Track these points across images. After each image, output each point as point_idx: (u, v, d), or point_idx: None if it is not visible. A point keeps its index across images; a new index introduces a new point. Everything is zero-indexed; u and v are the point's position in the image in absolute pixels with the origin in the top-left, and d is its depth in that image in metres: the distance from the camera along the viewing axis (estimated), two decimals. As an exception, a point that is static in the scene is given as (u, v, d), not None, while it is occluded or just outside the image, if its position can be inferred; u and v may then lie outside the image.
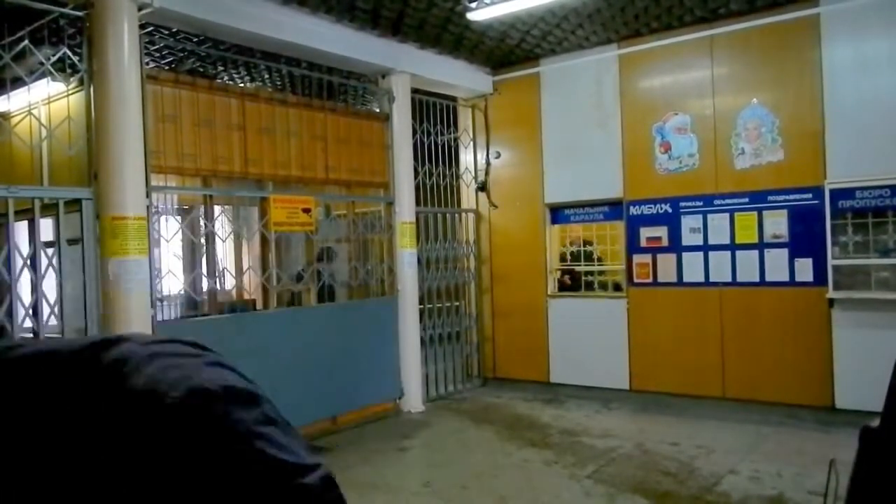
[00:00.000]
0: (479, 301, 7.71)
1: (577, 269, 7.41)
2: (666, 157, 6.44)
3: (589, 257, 7.40)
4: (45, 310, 4.30)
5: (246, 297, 6.66)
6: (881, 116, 5.40)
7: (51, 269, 4.36)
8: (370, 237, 6.75)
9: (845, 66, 5.57)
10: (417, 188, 6.92)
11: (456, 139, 7.70)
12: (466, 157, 7.80)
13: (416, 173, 6.92)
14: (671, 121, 6.40)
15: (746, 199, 6.03)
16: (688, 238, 6.33)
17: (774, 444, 5.22)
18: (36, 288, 4.29)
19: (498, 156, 7.63)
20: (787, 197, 5.84)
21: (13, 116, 5.30)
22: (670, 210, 6.40)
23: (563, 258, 7.45)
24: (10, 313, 4.11)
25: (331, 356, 5.87)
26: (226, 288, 6.57)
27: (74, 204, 4.46)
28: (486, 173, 7.67)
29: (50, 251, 4.39)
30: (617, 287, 7.06)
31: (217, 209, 5.78)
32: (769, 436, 5.43)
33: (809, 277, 5.72)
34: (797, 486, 4.24)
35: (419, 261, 6.84)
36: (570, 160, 7.02)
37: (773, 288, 5.90)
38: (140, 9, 4.50)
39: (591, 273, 7.41)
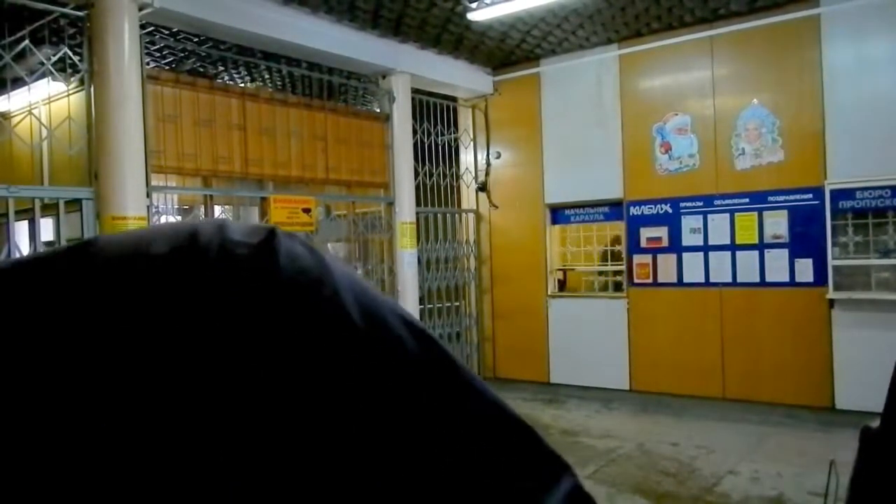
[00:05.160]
0: (479, 301, 7.71)
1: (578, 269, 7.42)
2: (666, 157, 6.44)
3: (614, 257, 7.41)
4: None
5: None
6: (881, 116, 5.40)
7: (51, 268, 4.35)
8: (370, 237, 6.75)
9: (845, 66, 5.57)
10: (417, 188, 6.92)
11: (456, 139, 7.70)
12: (466, 158, 7.80)
13: (417, 173, 6.92)
14: (671, 121, 6.40)
15: (747, 200, 6.03)
16: (688, 238, 6.33)
17: (774, 445, 5.22)
18: (36, 288, 4.28)
19: (498, 156, 7.63)
20: (787, 197, 5.84)
21: (13, 116, 5.30)
22: (670, 210, 6.40)
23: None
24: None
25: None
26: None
27: (75, 204, 4.46)
28: (487, 173, 7.67)
29: (50, 251, 4.39)
30: (617, 287, 7.06)
31: (217, 209, 5.78)
32: (769, 436, 5.43)
33: (810, 278, 5.72)
34: (797, 487, 4.24)
35: (419, 261, 6.84)
36: (570, 160, 7.02)
37: (773, 288, 5.90)
38: (140, 9, 4.50)
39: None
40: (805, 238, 5.76)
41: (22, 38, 4.36)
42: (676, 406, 6.25)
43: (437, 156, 7.29)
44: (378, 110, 7.06)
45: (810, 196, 5.73)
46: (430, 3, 5.57)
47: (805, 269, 5.74)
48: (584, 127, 6.89)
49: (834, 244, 5.59)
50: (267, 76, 7.39)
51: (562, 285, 7.37)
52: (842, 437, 4.99)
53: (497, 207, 7.60)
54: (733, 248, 6.10)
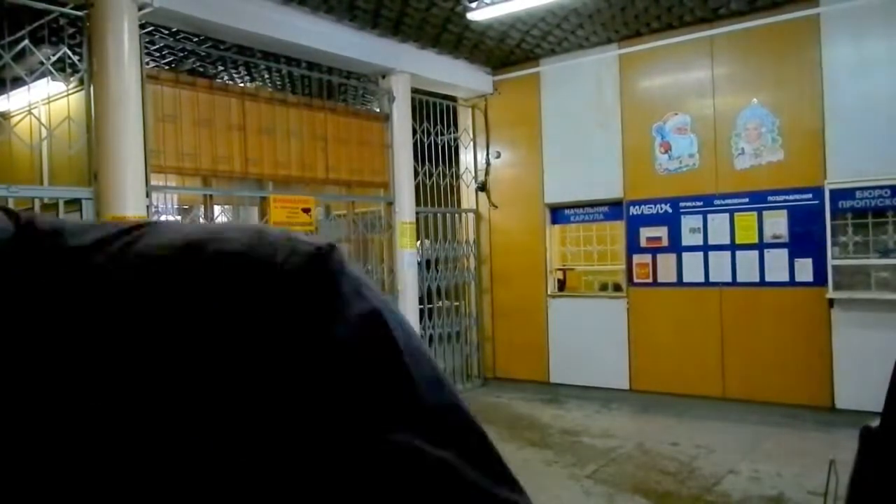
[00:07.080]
0: (479, 301, 7.71)
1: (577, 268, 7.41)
2: (666, 157, 6.43)
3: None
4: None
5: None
6: (881, 116, 5.40)
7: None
8: (370, 237, 6.75)
9: (845, 66, 5.57)
10: (417, 188, 6.92)
11: (456, 139, 7.70)
12: (466, 157, 7.80)
13: (416, 173, 6.92)
14: (671, 121, 6.40)
15: (746, 200, 6.03)
16: (688, 238, 6.33)
17: (774, 444, 5.22)
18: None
19: (498, 156, 7.63)
20: (787, 197, 5.84)
21: (13, 116, 5.30)
22: (670, 210, 6.40)
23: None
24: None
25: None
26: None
27: (74, 204, 4.46)
28: (486, 173, 7.67)
29: (50, 251, 4.39)
30: (617, 287, 7.06)
31: (217, 209, 5.77)
32: (769, 436, 5.42)
33: (809, 277, 5.72)
34: (797, 486, 4.24)
35: (419, 261, 6.84)
36: (570, 160, 7.02)
37: (773, 288, 5.90)
38: (140, 8, 4.50)
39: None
40: (805, 238, 5.75)
41: (21, 38, 4.36)
42: (676, 406, 6.25)
43: (436, 156, 7.29)
44: (378, 110, 7.06)
45: (810, 196, 5.73)
46: (430, 3, 5.57)
47: (805, 269, 5.74)
48: (584, 127, 6.88)
49: (834, 244, 5.59)
50: (267, 76, 7.38)
51: (562, 285, 7.37)
52: (842, 437, 4.99)
53: (497, 207, 7.60)
54: (733, 247, 6.10)
